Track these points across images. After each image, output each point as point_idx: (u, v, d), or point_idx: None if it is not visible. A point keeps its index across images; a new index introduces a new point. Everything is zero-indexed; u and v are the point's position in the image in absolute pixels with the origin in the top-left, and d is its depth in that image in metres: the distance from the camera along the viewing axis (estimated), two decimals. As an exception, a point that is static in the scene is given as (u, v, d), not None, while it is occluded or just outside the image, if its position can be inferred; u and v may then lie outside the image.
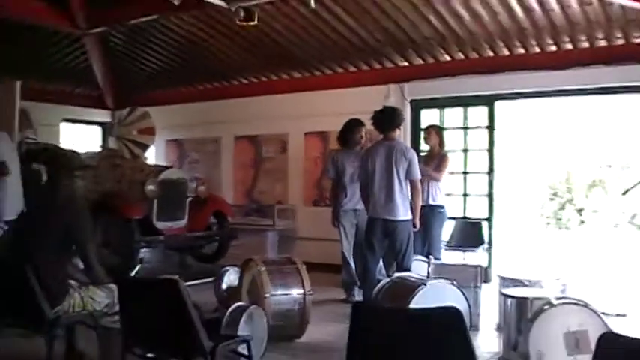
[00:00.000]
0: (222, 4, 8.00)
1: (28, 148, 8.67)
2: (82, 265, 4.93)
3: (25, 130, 9.36)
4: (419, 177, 6.83)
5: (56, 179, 4.83)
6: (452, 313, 2.67)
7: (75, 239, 4.64)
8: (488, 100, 9.16)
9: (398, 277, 5.89)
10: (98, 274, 4.74)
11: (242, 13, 7.96)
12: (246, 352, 4.01)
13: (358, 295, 7.61)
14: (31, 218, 4.81)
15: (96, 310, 4.72)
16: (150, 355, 4.20)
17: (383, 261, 7.11)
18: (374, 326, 2.87)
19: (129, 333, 3.98)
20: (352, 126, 8.10)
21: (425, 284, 5.40)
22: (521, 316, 5.06)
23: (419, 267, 6.71)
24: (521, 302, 5.13)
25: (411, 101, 9.68)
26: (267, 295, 5.70)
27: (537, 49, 8.55)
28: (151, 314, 3.77)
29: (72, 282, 4.76)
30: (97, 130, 13.48)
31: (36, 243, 4.59)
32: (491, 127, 9.20)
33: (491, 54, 8.92)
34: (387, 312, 3.17)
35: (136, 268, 8.65)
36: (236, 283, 6.48)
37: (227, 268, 7.05)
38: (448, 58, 9.30)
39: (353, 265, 7.87)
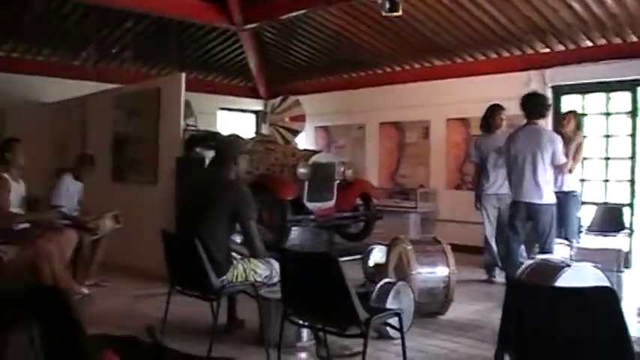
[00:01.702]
0: (369, -4, 8.04)
1: (191, 134, 9.06)
2: (238, 240, 5.10)
3: (187, 118, 9.78)
4: (564, 161, 6.63)
5: (222, 162, 4.99)
6: (608, 292, 2.57)
7: (239, 217, 4.77)
8: (631, 86, 8.67)
9: (542, 259, 5.70)
10: (260, 248, 4.87)
11: (387, 5, 7.95)
12: (396, 325, 4.01)
13: (499, 276, 7.47)
14: (198, 197, 4.96)
15: (256, 282, 4.84)
16: (306, 323, 4.30)
17: (524, 244, 6.93)
18: (528, 304, 2.80)
19: (289, 303, 4.07)
20: (493, 110, 7.92)
21: (569, 266, 5.21)
22: (668, 301, 4.81)
23: (559, 250, 6.51)
24: (669, 287, 4.88)
25: (552, 87, 9.31)
26: (413, 272, 5.69)
27: (685, 32, 8.03)
28: (310, 286, 3.83)
29: (235, 255, 4.93)
30: (251, 118, 13.87)
31: (203, 219, 4.74)
32: (634, 113, 8.72)
33: (634, 38, 8.43)
34: (541, 290, 3.07)
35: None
36: (382, 260, 6.48)
37: (373, 246, 7.08)
38: (590, 43, 8.88)
39: (495, 247, 7.73)
